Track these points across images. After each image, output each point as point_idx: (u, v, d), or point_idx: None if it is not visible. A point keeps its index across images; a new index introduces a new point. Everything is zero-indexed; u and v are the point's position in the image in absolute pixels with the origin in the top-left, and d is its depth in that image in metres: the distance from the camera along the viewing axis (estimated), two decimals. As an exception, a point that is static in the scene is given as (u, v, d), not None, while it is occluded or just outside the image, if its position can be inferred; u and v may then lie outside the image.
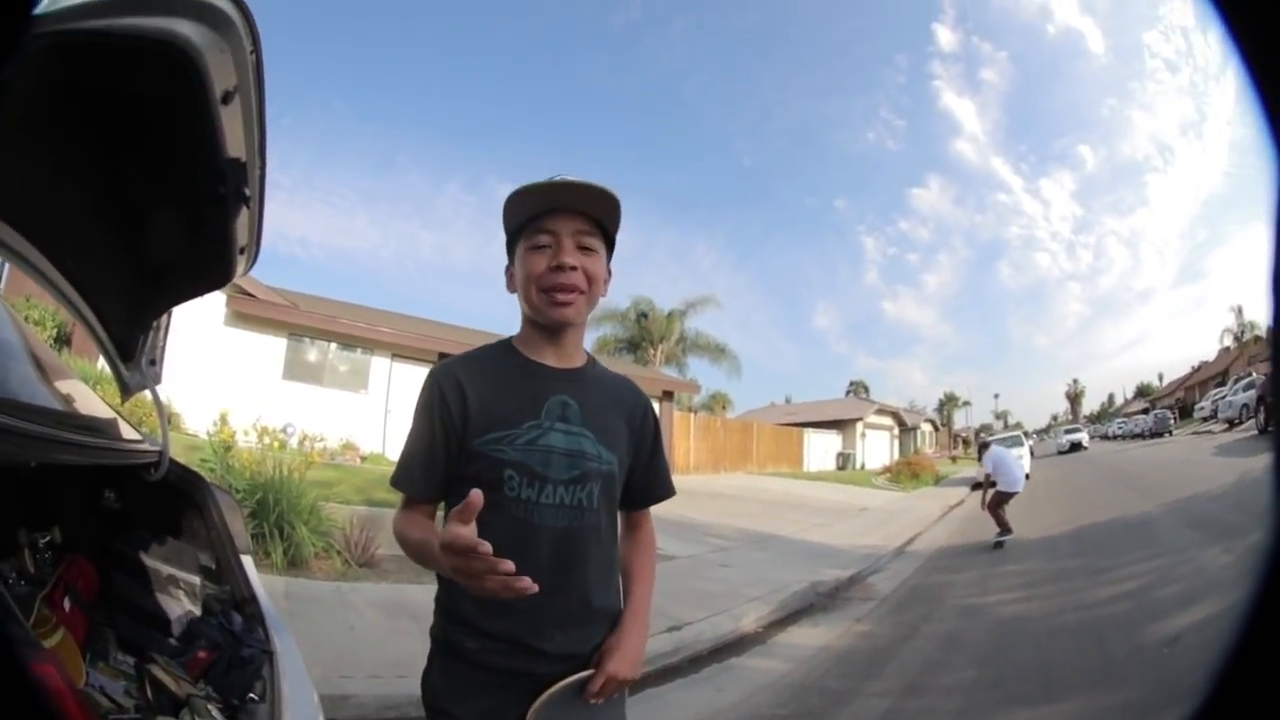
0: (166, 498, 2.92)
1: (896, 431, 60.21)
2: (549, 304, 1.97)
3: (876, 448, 53.76)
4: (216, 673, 2.35)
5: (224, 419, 11.56)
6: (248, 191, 2.18)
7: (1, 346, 2.83)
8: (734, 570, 10.29)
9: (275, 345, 21.04)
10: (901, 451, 55.82)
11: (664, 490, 2.30)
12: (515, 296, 2.06)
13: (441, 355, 22.36)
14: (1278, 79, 0.88)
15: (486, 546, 1.48)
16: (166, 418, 3.15)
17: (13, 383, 2.76)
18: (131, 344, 3.01)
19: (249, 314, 19.92)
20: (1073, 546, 11.41)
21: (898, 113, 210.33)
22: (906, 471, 36.07)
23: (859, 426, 51.55)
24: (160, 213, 2.49)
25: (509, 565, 1.49)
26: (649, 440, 2.21)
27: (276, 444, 11.95)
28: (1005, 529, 13.78)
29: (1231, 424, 32.52)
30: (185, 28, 1.67)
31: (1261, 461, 14.75)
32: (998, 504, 14.18)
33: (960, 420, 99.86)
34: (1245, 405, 30.12)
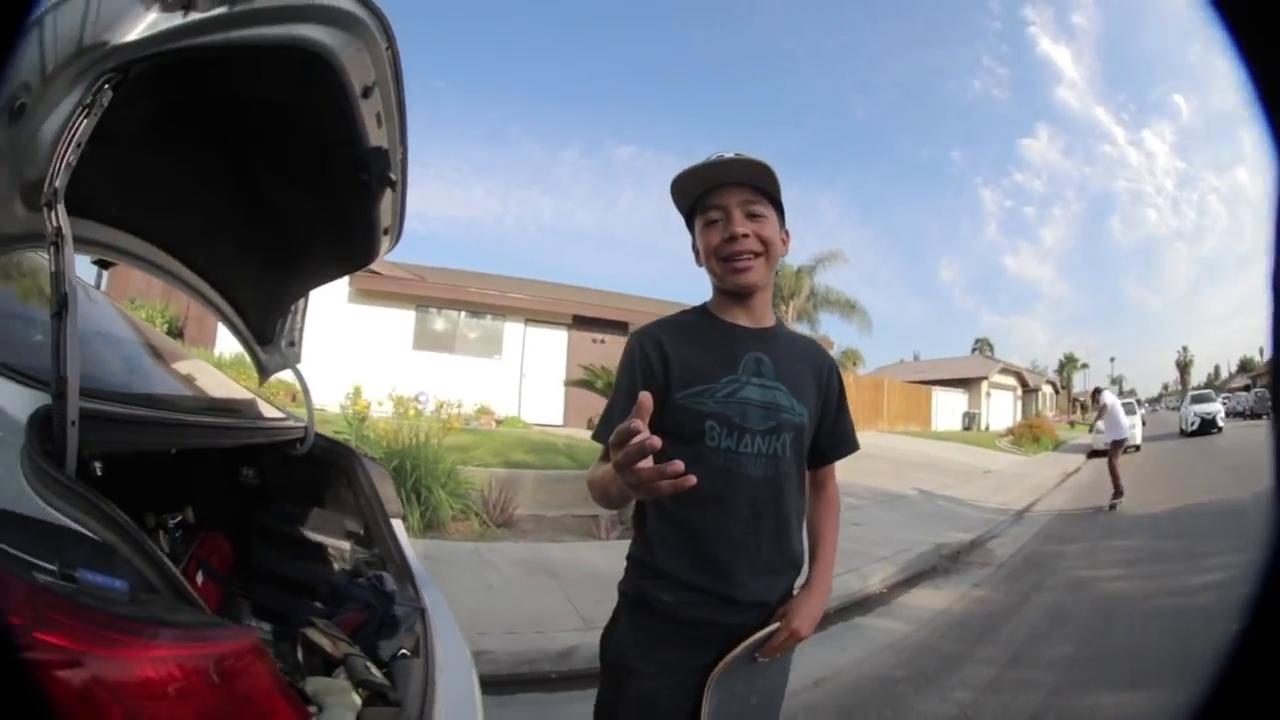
0: (311, 470, 3.04)
1: (1019, 392, 58.52)
2: (730, 271, 2.08)
3: (1000, 408, 52.58)
4: (367, 631, 2.41)
5: (357, 392, 11.99)
6: (393, 176, 2.34)
7: (128, 344, 2.93)
8: (865, 529, 10.26)
9: (404, 318, 21.25)
10: (1023, 413, 54.47)
11: (849, 446, 2.36)
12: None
13: (575, 318, 22.82)
14: (1278, 79, 0.90)
15: (655, 442, 1.46)
16: (310, 394, 3.24)
17: (150, 377, 2.94)
18: (268, 328, 3.17)
19: (374, 290, 20.10)
20: (1173, 527, 11.20)
21: (999, 60, 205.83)
22: (1028, 434, 35.14)
23: (984, 386, 50.45)
24: (302, 204, 2.67)
25: (677, 465, 1.46)
26: (835, 397, 2.28)
27: (412, 412, 12.22)
28: (1118, 490, 13.87)
29: None
30: (316, 32, 1.83)
31: None
32: (1114, 455, 14.43)
33: (1078, 383, 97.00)
34: None
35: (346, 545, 2.99)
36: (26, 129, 1.61)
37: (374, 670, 2.18)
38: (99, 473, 1.92)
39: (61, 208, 1.66)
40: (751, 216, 2.06)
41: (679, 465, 1.45)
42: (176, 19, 1.62)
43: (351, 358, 16.87)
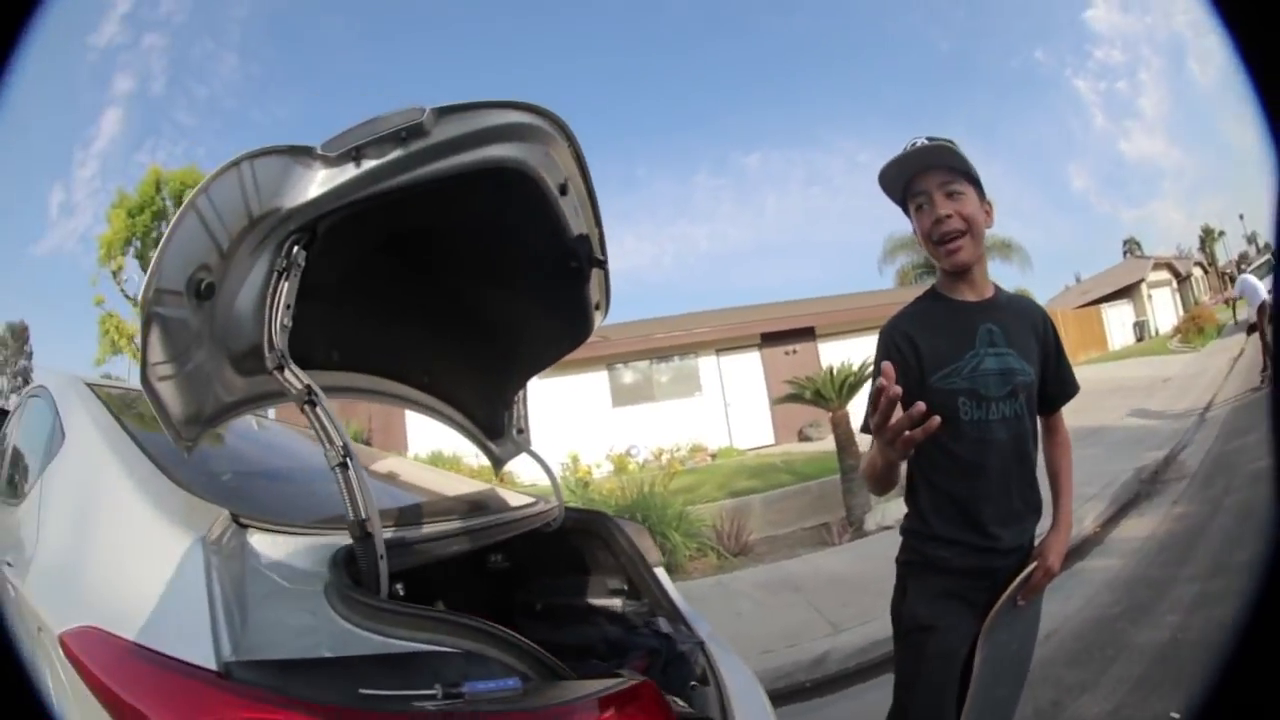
0: (563, 540, 3.08)
1: (1174, 284, 54.97)
2: (943, 253, 2.34)
3: (1163, 306, 49.40)
4: (654, 672, 2.39)
5: (575, 460, 12.40)
6: (599, 256, 2.48)
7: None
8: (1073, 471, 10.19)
9: (598, 380, 21.48)
10: (1184, 305, 52.01)
11: (1072, 389, 2.61)
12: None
13: (763, 335, 22.56)
14: (1278, 79, 0.95)
15: (896, 390, 1.71)
16: (553, 472, 3.36)
17: (396, 492, 3.15)
18: (498, 423, 3.27)
19: (564, 360, 19.75)
20: None
21: None
22: (1193, 328, 33.79)
23: (1143, 288, 47.89)
24: (514, 302, 2.79)
25: (919, 407, 1.71)
26: (1053, 347, 2.51)
27: (631, 466, 12.62)
28: (1265, 365, 13.62)
29: None
30: (503, 150, 1.96)
31: None
32: (1263, 330, 14.59)
33: (1221, 255, 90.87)
34: None
35: (617, 602, 3.04)
36: (221, 304, 1.74)
37: (679, 701, 2.26)
38: (402, 594, 1.95)
39: (294, 367, 1.80)
40: (951, 196, 2.29)
41: (921, 407, 1.70)
42: (351, 171, 1.80)
43: (556, 429, 16.54)
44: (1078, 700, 4.21)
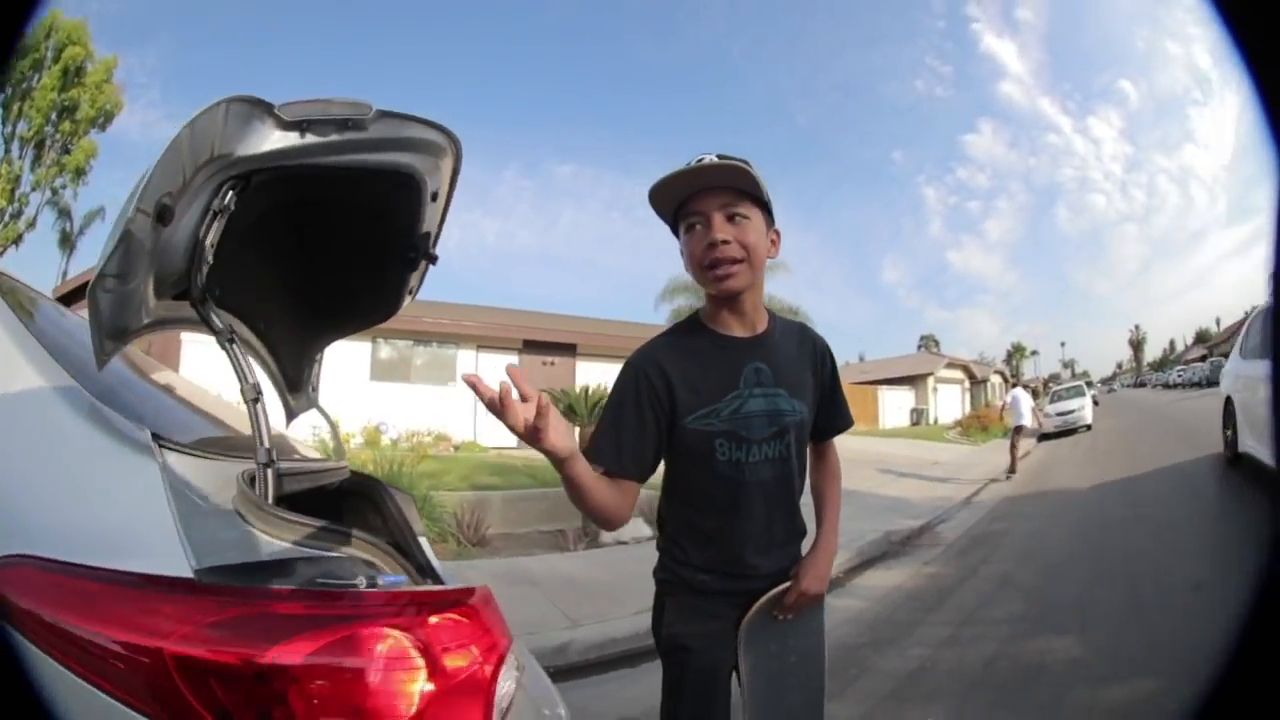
0: (342, 500, 3.12)
1: (967, 384, 59.06)
2: (713, 280, 2.14)
3: (948, 401, 53.25)
4: None
5: (336, 425, 12.21)
6: (435, 253, 2.68)
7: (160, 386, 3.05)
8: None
9: (361, 350, 21.40)
10: (972, 404, 55.00)
11: (845, 421, 2.55)
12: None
13: (526, 342, 23.22)
14: (1278, 79, 0.96)
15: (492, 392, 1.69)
16: (338, 432, 3.47)
17: (218, 423, 3.11)
18: (300, 378, 3.35)
19: None
20: (1122, 496, 11.64)
21: (942, 59, 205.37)
22: (976, 424, 35.88)
23: (930, 381, 51.11)
24: (352, 277, 2.95)
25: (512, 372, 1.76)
26: (828, 379, 2.43)
27: (383, 441, 12.60)
28: (1012, 467, 17.94)
29: None
30: (410, 159, 2.21)
31: None
32: (1015, 437, 18.86)
33: (1029, 370, 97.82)
34: None
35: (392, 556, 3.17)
36: (167, 231, 1.80)
37: None
38: None
39: (213, 305, 2.05)
40: (733, 219, 2.10)
41: (514, 371, 1.76)
42: (294, 139, 1.97)
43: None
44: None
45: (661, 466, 2.27)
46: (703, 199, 2.12)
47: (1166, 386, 71.81)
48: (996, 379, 68.59)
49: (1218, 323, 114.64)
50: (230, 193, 1.99)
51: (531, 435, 1.77)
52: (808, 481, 2.45)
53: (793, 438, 2.25)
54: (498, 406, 1.69)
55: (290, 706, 1.31)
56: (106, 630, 1.31)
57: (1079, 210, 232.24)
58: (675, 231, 2.24)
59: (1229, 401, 10.78)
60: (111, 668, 1.31)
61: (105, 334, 1.76)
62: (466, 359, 23.03)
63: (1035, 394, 45.87)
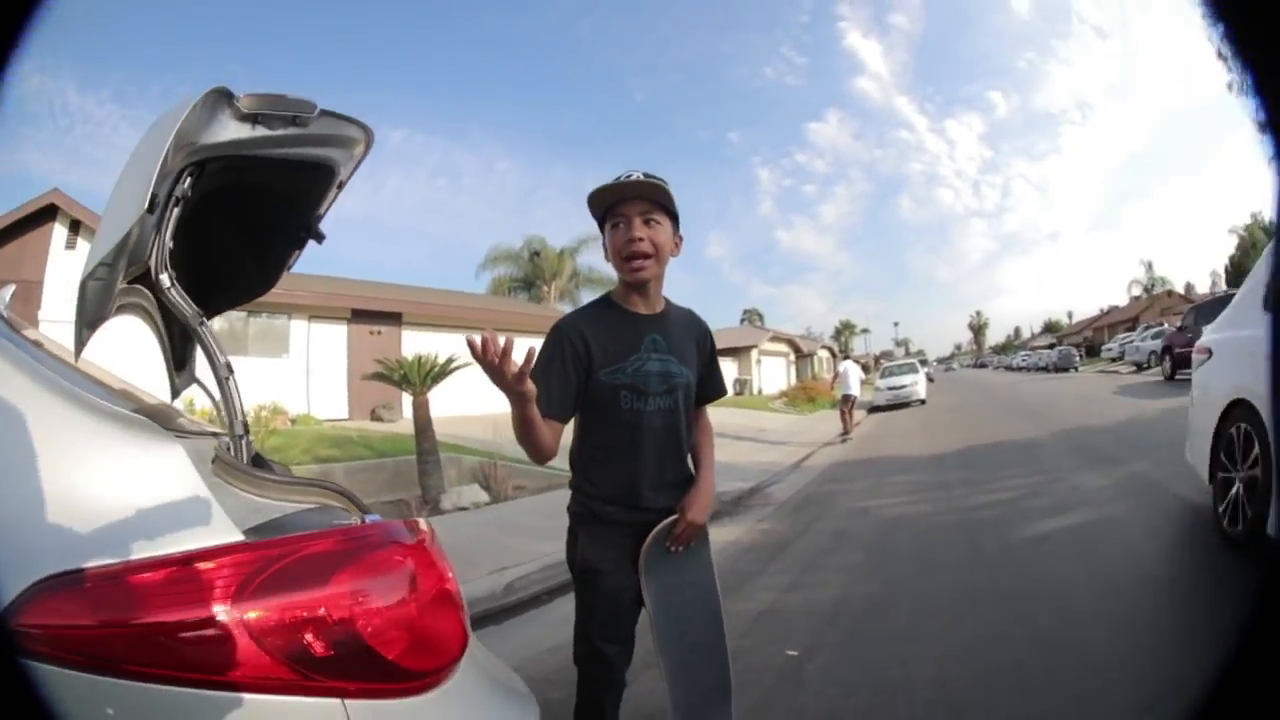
0: None
1: (793, 358, 61.01)
2: (630, 270, 2.65)
3: (773, 374, 54.60)
4: None
5: (190, 404, 11.83)
6: (322, 232, 2.93)
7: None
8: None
9: None
10: (798, 377, 56.35)
11: (720, 390, 3.08)
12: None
13: (354, 311, 22.77)
14: (1278, 79, 0.96)
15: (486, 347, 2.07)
16: (222, 409, 3.34)
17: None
18: (186, 354, 3.46)
19: None
20: (959, 462, 12.05)
21: (799, 50, 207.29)
22: (802, 395, 37.08)
23: (754, 353, 51.96)
24: (248, 254, 3.15)
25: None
26: (708, 355, 2.97)
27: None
28: (846, 431, 20.29)
29: (1139, 367, 34.12)
30: (335, 154, 2.47)
31: (1160, 404, 15.94)
32: (844, 406, 21.24)
33: (860, 347, 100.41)
34: (1153, 352, 31.47)
35: None
36: (149, 219, 1.99)
37: None
38: None
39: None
40: (648, 223, 2.63)
41: (492, 335, 2.09)
42: (247, 130, 2.13)
43: (152, 365, 16.07)
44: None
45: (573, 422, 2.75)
46: (627, 205, 2.63)
47: (1009, 369, 78.20)
48: (824, 354, 70.08)
49: (1070, 315, 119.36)
50: (189, 179, 2.15)
51: (516, 382, 2.17)
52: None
53: (681, 395, 2.77)
54: (496, 363, 2.08)
55: (354, 627, 1.43)
56: (168, 614, 1.30)
57: (924, 202, 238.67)
58: (601, 228, 2.74)
59: (1238, 411, 5.26)
60: (185, 653, 1.31)
61: (86, 323, 1.84)
62: (299, 329, 22.41)
63: (865, 369, 47.13)
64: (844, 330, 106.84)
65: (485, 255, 42.60)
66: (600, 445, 2.76)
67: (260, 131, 2.15)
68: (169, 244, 2.20)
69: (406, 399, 13.26)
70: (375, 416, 21.19)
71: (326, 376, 22.05)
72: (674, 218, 2.74)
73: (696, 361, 2.89)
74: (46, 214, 19.29)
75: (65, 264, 18.56)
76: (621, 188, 2.64)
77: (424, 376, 12.14)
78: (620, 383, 2.67)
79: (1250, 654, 1.08)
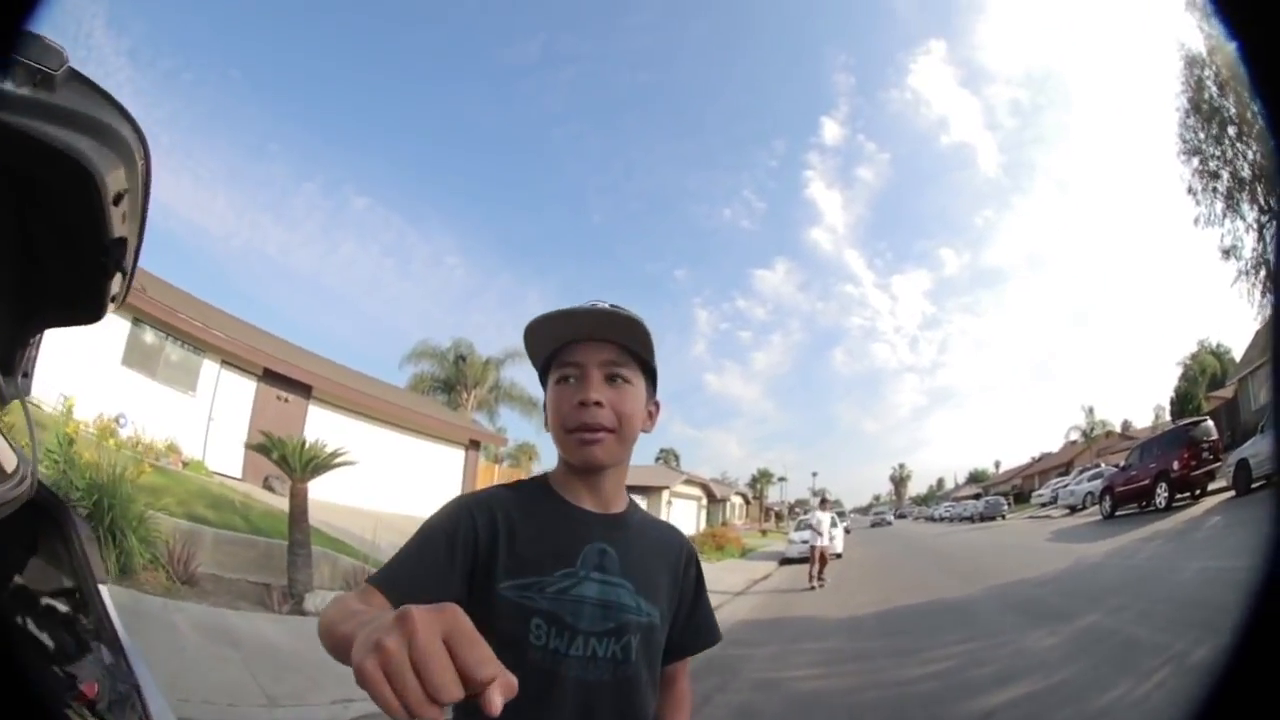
0: (25, 515, 2.68)
1: (705, 502, 61.27)
2: (575, 444, 1.83)
3: (683, 516, 54.16)
4: (100, 708, 2.17)
5: (70, 409, 12.11)
6: (126, 265, 2.43)
7: None
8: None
9: (119, 328, 19.66)
10: (709, 522, 56.77)
11: (708, 639, 2.11)
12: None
13: (267, 370, 22.80)
14: (1278, 79, 0.94)
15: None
16: (37, 435, 3.11)
17: None
18: (11, 358, 2.97)
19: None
20: (880, 626, 11.62)
21: (760, 195, 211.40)
22: (711, 543, 36.90)
23: (665, 494, 51.68)
24: (50, 269, 2.60)
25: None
26: (692, 590, 2.07)
27: (112, 441, 12.05)
28: (819, 576, 20.24)
29: (1073, 510, 33.91)
30: (84, 143, 1.79)
31: (1104, 546, 15.79)
32: (813, 553, 20.86)
33: (775, 495, 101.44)
34: (1090, 493, 31.39)
35: (66, 608, 2.73)
36: None
37: None
38: None
39: None
40: (611, 380, 1.84)
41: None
42: None
43: (62, 360, 14.46)
44: None
45: None
46: (584, 349, 1.84)
47: (931, 520, 74.92)
48: (737, 500, 71.20)
49: (997, 465, 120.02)
50: None
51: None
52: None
53: (637, 641, 1.84)
54: None
55: None
56: None
57: (858, 356, 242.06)
58: (543, 378, 1.94)
59: None
60: None
61: None
62: (209, 371, 22.05)
63: (779, 517, 47.49)
64: (761, 478, 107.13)
65: (412, 348, 42.81)
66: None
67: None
68: None
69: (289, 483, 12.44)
70: (267, 485, 20.48)
71: (228, 428, 21.53)
72: (651, 375, 1.94)
73: (668, 596, 1.96)
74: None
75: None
76: (580, 320, 1.84)
77: (304, 464, 11.36)
78: (534, 605, 1.75)
79: (1251, 653, 1.02)
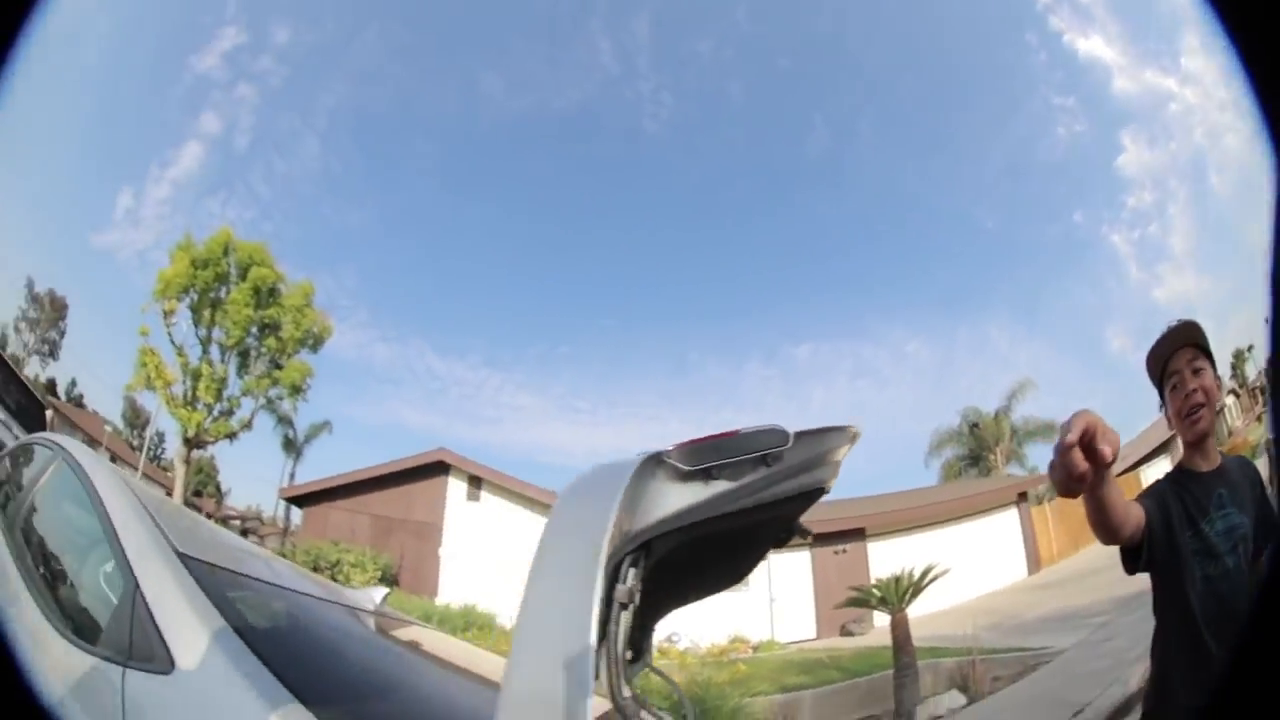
0: None
1: None
2: (1186, 425, 2.56)
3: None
4: None
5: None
6: (808, 529, 2.37)
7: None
8: (1117, 641, 10.60)
9: None
10: None
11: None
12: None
13: (816, 535, 22.71)
14: (1278, 79, 0.98)
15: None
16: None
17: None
18: (642, 644, 2.81)
19: None
20: None
21: None
22: None
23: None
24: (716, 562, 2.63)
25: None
26: (1263, 498, 2.69)
27: (674, 651, 13.58)
28: None
29: None
30: (822, 474, 1.88)
31: None
32: None
33: (1251, 372, 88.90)
34: None
35: None
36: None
37: None
38: None
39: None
40: (1196, 372, 2.52)
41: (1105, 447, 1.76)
42: (698, 491, 1.70)
43: None
44: None
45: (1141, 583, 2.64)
46: (1177, 358, 2.58)
47: None
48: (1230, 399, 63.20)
49: None
50: (631, 570, 1.65)
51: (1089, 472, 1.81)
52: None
53: (1242, 549, 2.51)
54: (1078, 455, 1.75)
55: None
56: None
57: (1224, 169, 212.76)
58: (1161, 394, 2.67)
59: None
60: None
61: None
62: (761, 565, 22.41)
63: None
64: (1236, 360, 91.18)
65: (930, 441, 39.95)
66: (1181, 629, 2.52)
67: (720, 487, 1.69)
68: (622, 655, 1.65)
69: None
70: (845, 631, 20.67)
71: (790, 601, 21.96)
72: (1213, 361, 2.59)
73: (1253, 507, 2.61)
74: (437, 468, 22.47)
75: (466, 513, 21.83)
76: (1167, 337, 2.60)
77: (901, 594, 11.77)
78: (1193, 549, 2.50)
79: (1250, 654, 1.10)
